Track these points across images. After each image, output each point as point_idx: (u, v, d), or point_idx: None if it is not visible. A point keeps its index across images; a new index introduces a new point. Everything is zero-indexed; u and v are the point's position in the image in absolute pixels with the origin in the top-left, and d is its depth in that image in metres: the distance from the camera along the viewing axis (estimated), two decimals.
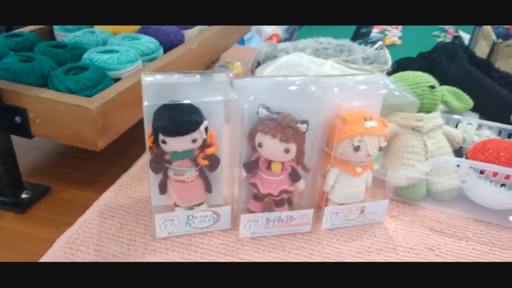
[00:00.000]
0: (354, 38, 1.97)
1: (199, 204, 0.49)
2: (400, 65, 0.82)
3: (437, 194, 0.57)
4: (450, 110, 0.63)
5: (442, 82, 0.70)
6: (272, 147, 0.45)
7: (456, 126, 0.65)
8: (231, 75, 0.96)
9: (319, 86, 0.49)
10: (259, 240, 0.49)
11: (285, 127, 0.44)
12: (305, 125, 0.45)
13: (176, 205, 0.48)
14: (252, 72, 0.94)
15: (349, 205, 0.51)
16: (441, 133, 0.58)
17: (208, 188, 0.48)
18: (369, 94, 0.51)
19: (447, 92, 0.62)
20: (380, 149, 0.48)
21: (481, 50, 1.59)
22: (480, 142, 0.56)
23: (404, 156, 0.56)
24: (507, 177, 0.51)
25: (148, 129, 0.42)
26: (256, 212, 0.50)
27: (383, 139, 0.48)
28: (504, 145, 0.54)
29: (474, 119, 0.68)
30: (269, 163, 0.47)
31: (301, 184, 0.49)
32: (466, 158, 0.56)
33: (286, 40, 2.67)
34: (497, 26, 1.72)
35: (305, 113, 0.46)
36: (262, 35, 2.67)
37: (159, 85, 0.43)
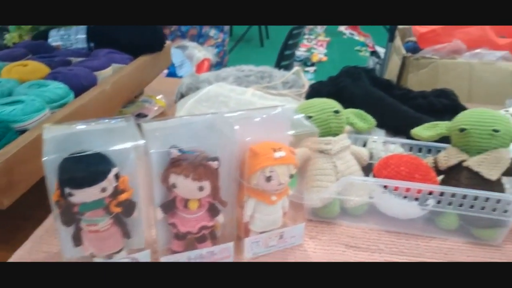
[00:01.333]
0: (279, 60, 2.05)
1: (118, 252, 0.48)
2: (313, 89, 0.87)
3: (351, 210, 0.61)
4: (356, 131, 0.68)
5: (349, 103, 0.75)
6: (186, 187, 0.46)
7: (365, 145, 0.71)
8: (155, 109, 0.96)
9: (227, 123, 0.51)
10: None
11: (196, 166, 0.46)
12: (216, 162, 0.46)
13: (93, 256, 0.47)
14: None
15: (268, 232, 0.53)
16: (349, 153, 0.63)
17: (126, 234, 0.48)
18: (277, 126, 0.54)
19: (352, 114, 0.67)
20: (291, 176, 0.51)
21: (395, 64, 1.72)
22: (384, 158, 0.61)
23: (317, 178, 0.60)
24: (407, 190, 0.55)
25: (52, 183, 0.41)
26: (179, 251, 0.51)
27: (293, 167, 0.51)
28: (404, 159, 0.59)
29: (380, 136, 0.74)
30: (186, 201, 0.48)
31: (220, 218, 0.51)
32: (373, 174, 0.61)
33: (217, 64, 2.71)
34: (407, 40, 1.88)
35: (216, 149, 0.48)
36: (193, 60, 2.68)
37: (61, 137, 0.43)
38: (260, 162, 0.49)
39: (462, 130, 0.58)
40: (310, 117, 0.62)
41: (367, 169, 0.66)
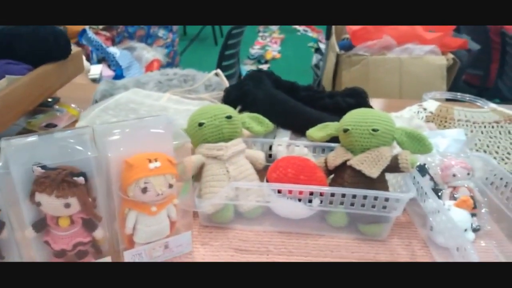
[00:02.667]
0: (220, 61, 2.04)
1: None
2: (226, 93, 0.87)
3: (246, 213, 0.62)
4: (254, 134, 0.69)
5: (253, 106, 0.76)
6: (51, 204, 0.45)
7: (270, 148, 0.72)
8: (67, 118, 0.94)
9: (101, 134, 0.50)
10: None
11: (59, 182, 0.45)
12: (81, 178, 0.46)
13: None
14: None
15: (150, 244, 0.53)
16: (243, 157, 0.63)
17: None
18: (159, 136, 0.54)
19: (248, 118, 0.68)
20: (170, 186, 0.51)
21: (331, 62, 1.76)
22: (276, 161, 0.62)
23: (210, 184, 0.60)
24: (289, 192, 0.57)
25: None
26: None
27: (171, 177, 0.51)
28: (292, 161, 0.61)
29: (285, 138, 0.75)
30: (56, 219, 0.47)
31: (99, 233, 0.50)
32: (266, 177, 0.62)
33: (168, 65, 2.68)
34: (343, 38, 1.93)
35: (87, 164, 0.47)
36: (142, 62, 2.63)
37: None
38: (134, 174, 0.49)
39: (345, 130, 0.60)
40: (202, 124, 0.62)
41: None
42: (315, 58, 2.53)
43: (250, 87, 0.77)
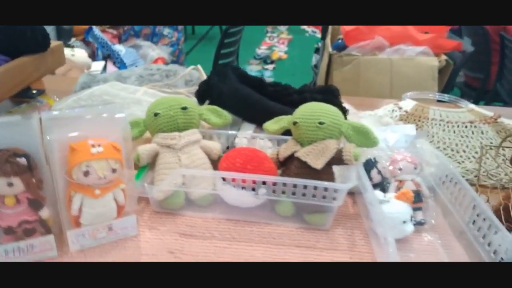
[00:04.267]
0: (216, 59, 2.07)
1: None
2: (198, 87, 0.90)
3: (197, 201, 0.64)
4: (212, 125, 0.71)
5: (218, 100, 0.79)
6: None
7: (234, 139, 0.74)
8: (47, 108, 0.97)
9: (50, 120, 0.53)
10: None
11: (3, 163, 0.48)
12: (23, 159, 0.49)
13: None
14: None
15: (95, 225, 0.55)
16: (197, 147, 0.66)
17: None
18: (106, 123, 0.56)
19: (206, 110, 0.70)
20: (114, 170, 0.54)
21: (325, 61, 1.77)
22: (227, 152, 0.64)
23: (162, 172, 0.63)
24: (233, 180, 0.59)
25: None
26: None
27: (114, 162, 0.54)
28: (243, 152, 0.63)
29: (249, 131, 0.78)
30: (3, 197, 0.50)
31: (44, 212, 0.53)
32: (218, 166, 0.64)
33: (173, 63, 2.72)
34: (338, 38, 1.94)
35: (34, 147, 0.50)
36: (147, 60, 2.68)
37: None
38: (77, 158, 0.52)
39: (294, 123, 0.62)
40: (157, 114, 0.65)
41: None
42: (314, 58, 2.54)
43: (215, 81, 0.79)
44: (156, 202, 0.63)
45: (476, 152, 0.86)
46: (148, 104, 0.91)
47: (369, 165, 0.64)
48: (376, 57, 1.63)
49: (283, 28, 5.01)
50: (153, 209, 0.64)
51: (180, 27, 2.85)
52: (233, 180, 0.59)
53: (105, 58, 2.30)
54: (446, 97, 1.14)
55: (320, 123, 0.60)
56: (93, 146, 0.52)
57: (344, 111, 0.87)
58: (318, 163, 0.59)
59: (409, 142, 0.66)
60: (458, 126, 0.97)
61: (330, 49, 1.72)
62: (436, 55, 1.67)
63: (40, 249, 0.53)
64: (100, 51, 2.31)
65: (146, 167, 0.64)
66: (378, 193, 0.60)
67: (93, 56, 2.23)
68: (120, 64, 2.37)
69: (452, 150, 0.87)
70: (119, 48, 2.39)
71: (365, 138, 0.61)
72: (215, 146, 0.68)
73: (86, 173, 0.52)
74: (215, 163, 0.67)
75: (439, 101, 1.36)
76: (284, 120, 0.67)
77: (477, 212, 0.56)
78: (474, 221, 0.58)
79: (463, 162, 0.83)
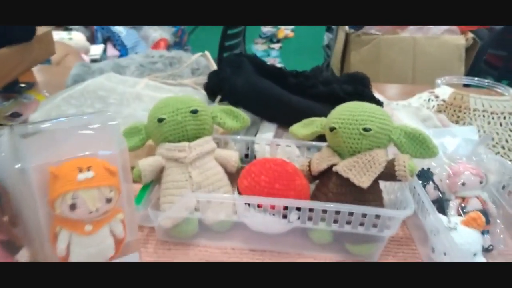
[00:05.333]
0: (222, 40, 1.92)
1: None
2: (208, 79, 0.77)
3: (212, 226, 0.52)
4: (228, 130, 0.59)
5: (232, 97, 0.66)
6: None
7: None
8: (35, 106, 0.85)
9: (24, 136, 0.41)
10: None
11: None
12: None
13: None
14: None
15: None
16: (211, 159, 0.54)
17: None
18: (96, 138, 0.44)
19: (220, 112, 0.57)
20: (109, 200, 0.42)
21: (340, 41, 1.63)
22: (248, 165, 0.52)
23: (169, 193, 0.51)
24: (259, 205, 0.47)
25: None
26: None
27: (109, 189, 0.42)
28: (267, 166, 0.50)
29: (270, 133, 0.65)
30: None
31: (22, 256, 0.42)
32: (237, 184, 0.52)
33: (175, 44, 2.57)
34: None
35: (4, 172, 0.39)
36: (149, 41, 2.53)
37: None
38: (60, 187, 0.40)
39: (331, 129, 0.50)
40: (162, 120, 0.52)
41: None
42: (326, 37, 2.38)
43: (228, 73, 0.66)
44: (163, 230, 0.51)
45: None
46: (150, 99, 0.79)
47: (424, 178, 0.52)
48: (398, 36, 1.49)
49: None
50: (159, 237, 0.52)
51: None
52: (260, 205, 0.47)
53: (105, 40, 2.17)
54: (485, 82, 1.01)
55: (365, 129, 0.48)
56: (80, 170, 0.40)
57: (379, 105, 0.74)
58: (364, 181, 0.47)
59: (471, 148, 0.54)
60: (504, 118, 0.84)
61: (346, 28, 1.57)
62: (462, 33, 1.52)
63: None
64: (99, 33, 2.17)
65: (149, 186, 0.53)
66: (438, 218, 0.48)
67: (92, 39, 2.10)
68: (121, 47, 2.24)
69: (503, 148, 0.75)
70: (120, 29, 2.26)
71: (421, 146, 0.49)
72: (233, 156, 0.56)
73: (73, 206, 0.40)
74: (233, 177, 0.55)
75: (465, 85, 1.23)
76: (316, 123, 0.55)
77: None
78: None
79: None
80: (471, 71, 1.57)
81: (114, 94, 0.77)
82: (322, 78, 0.76)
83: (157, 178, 0.54)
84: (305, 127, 0.56)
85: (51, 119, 0.44)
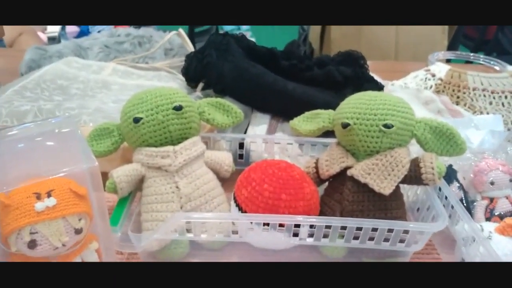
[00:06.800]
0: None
1: None
2: (187, 63, 0.67)
3: (206, 244, 0.44)
4: (217, 127, 0.50)
5: (219, 84, 0.57)
6: None
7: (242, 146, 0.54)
8: None
9: None
10: None
11: None
12: None
13: None
14: None
15: None
16: (201, 164, 0.45)
17: None
18: (57, 151, 0.35)
19: (209, 106, 0.48)
20: (78, 231, 0.33)
21: None
22: (247, 170, 0.44)
23: (153, 208, 0.42)
24: (266, 223, 0.39)
25: None
26: None
27: (78, 218, 0.33)
28: (270, 172, 0.42)
29: (263, 125, 0.57)
30: None
31: None
32: (234, 193, 0.44)
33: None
34: None
35: None
36: None
37: None
38: (13, 221, 0.30)
39: (345, 126, 0.42)
40: (138, 120, 0.43)
41: None
42: None
43: (213, 58, 0.57)
44: (148, 252, 0.43)
45: None
46: (119, 88, 0.69)
47: (447, 176, 0.46)
48: None
49: None
50: (143, 259, 0.44)
51: None
52: (266, 224, 0.39)
53: None
54: (480, 58, 0.96)
55: (386, 126, 0.40)
56: (38, 197, 0.31)
57: (381, 88, 0.67)
58: (385, 187, 0.40)
59: (498, 142, 0.47)
60: (506, 97, 0.79)
61: None
62: None
63: None
64: None
65: (127, 200, 0.43)
66: (473, 226, 0.41)
67: None
68: None
69: (509, 130, 0.70)
70: None
71: (448, 143, 0.42)
72: (226, 159, 0.47)
73: (32, 244, 0.31)
74: (228, 183, 0.47)
75: (448, 60, 1.18)
76: (323, 116, 0.47)
77: None
78: None
79: None
80: (452, 44, 1.53)
81: (76, 82, 0.67)
82: (315, 59, 0.68)
83: (137, 188, 0.45)
84: (309, 122, 0.48)
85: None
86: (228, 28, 3.33)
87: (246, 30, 3.35)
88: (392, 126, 0.40)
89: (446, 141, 0.42)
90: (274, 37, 2.94)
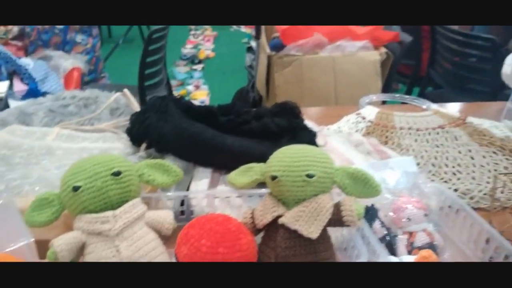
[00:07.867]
0: (141, 69, 1.82)
1: None
2: (131, 124, 0.70)
3: None
4: (159, 187, 0.53)
5: (160, 145, 0.60)
6: None
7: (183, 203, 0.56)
8: None
9: None
10: None
11: None
12: None
13: None
14: None
15: None
16: (142, 225, 0.47)
17: None
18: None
19: (148, 168, 0.51)
20: None
21: (263, 63, 1.63)
22: (186, 227, 0.47)
23: None
24: None
25: None
26: None
27: None
28: (208, 227, 0.45)
29: (205, 180, 0.60)
30: None
31: None
32: (175, 251, 0.46)
33: (91, 73, 2.40)
34: (273, 36, 1.80)
35: None
36: (60, 72, 2.33)
37: None
38: None
39: (273, 178, 0.46)
40: (77, 188, 0.45)
41: None
42: (248, 58, 2.39)
43: (153, 120, 0.60)
44: None
45: (459, 165, 0.77)
46: (63, 153, 0.70)
47: (370, 215, 0.51)
48: (317, 56, 1.52)
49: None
50: None
51: (95, 31, 2.54)
52: None
53: (11, 75, 1.97)
54: (406, 98, 1.05)
55: (308, 176, 0.45)
56: None
57: (313, 135, 0.73)
58: (312, 231, 0.44)
59: (411, 180, 0.53)
60: (429, 134, 0.88)
61: (267, 50, 1.58)
62: (376, 48, 1.60)
63: None
64: (3, 67, 1.97)
65: None
66: (387, 255, 0.46)
67: None
68: (29, 80, 2.04)
69: (433, 165, 0.77)
70: (26, 61, 2.07)
71: (364, 186, 0.47)
72: (167, 217, 0.49)
73: None
74: (170, 241, 0.49)
75: (383, 102, 1.29)
76: (255, 170, 0.51)
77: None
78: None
79: (450, 180, 0.73)
80: (387, 84, 1.65)
81: (20, 151, 0.67)
82: (252, 113, 0.73)
83: (79, 255, 0.46)
84: (243, 175, 0.52)
85: None
86: (181, 76, 3.41)
87: (198, 78, 3.44)
88: (314, 175, 0.45)
89: (362, 185, 0.47)
90: (225, 83, 3.04)
